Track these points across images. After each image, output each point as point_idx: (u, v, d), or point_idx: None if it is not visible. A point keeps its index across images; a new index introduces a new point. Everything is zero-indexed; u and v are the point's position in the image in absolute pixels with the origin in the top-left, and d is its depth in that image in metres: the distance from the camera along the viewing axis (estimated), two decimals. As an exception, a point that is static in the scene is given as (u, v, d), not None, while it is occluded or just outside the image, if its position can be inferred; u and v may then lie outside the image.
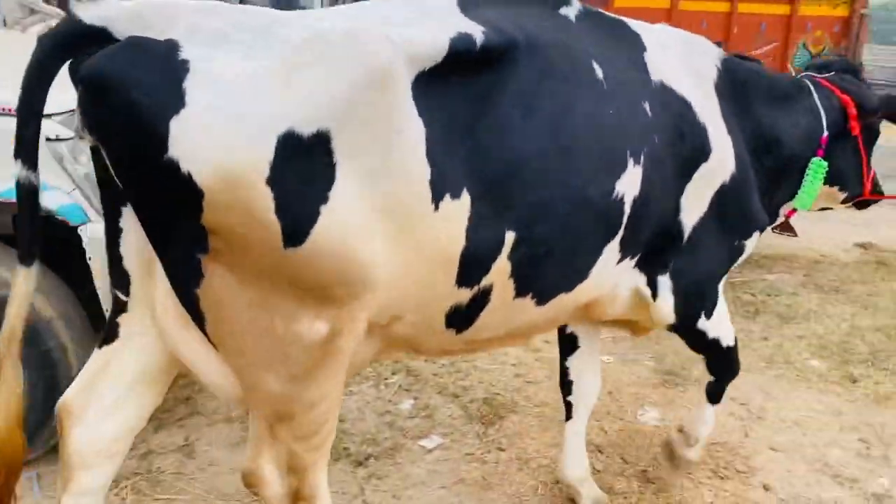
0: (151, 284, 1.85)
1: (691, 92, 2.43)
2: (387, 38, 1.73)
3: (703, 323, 2.71)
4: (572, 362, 3.00)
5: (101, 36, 1.61)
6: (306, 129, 1.61)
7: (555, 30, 2.15)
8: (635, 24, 2.45)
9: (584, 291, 2.31)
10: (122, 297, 1.95)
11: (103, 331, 2.04)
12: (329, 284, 1.73)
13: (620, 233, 2.25)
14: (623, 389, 4.00)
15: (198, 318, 1.77)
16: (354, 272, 1.73)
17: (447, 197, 1.82)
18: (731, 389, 4.04)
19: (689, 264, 2.55)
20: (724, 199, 2.52)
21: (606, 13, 2.43)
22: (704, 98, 2.48)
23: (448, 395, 3.80)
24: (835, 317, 5.33)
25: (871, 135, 3.06)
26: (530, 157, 1.95)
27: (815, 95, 2.90)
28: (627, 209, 2.22)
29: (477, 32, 1.87)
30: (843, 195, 3.10)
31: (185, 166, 1.54)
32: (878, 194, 3.20)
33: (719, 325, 2.80)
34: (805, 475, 3.32)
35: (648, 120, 2.26)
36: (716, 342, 2.81)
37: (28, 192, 1.70)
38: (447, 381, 3.93)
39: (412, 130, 1.75)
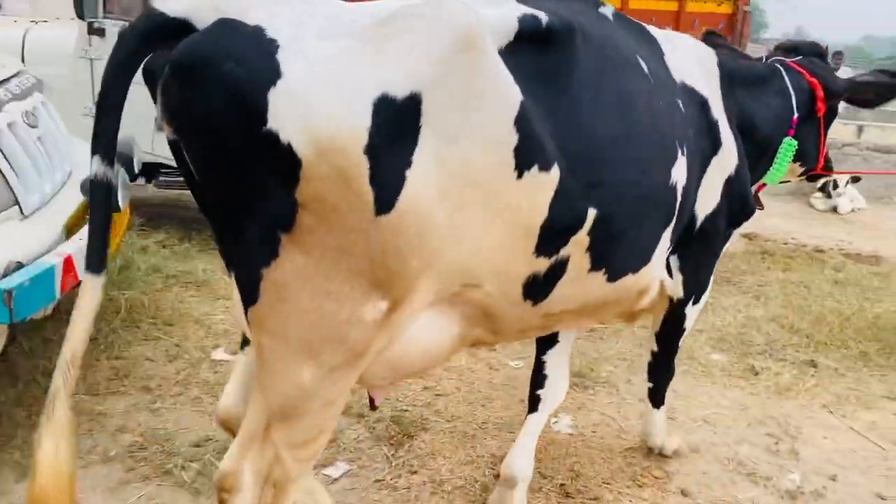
0: None
1: (704, 90, 2.60)
2: (469, 6, 1.76)
3: (689, 308, 2.91)
4: (550, 357, 2.97)
5: (183, 28, 1.61)
6: (400, 92, 1.62)
7: (601, 26, 2.22)
8: (651, 28, 2.58)
9: (644, 276, 2.44)
10: None
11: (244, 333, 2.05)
12: (408, 255, 1.71)
13: (674, 220, 2.41)
14: (534, 397, 3.87)
15: (251, 298, 1.71)
16: (431, 240, 1.73)
17: (534, 168, 1.85)
18: (639, 391, 4.03)
19: (696, 252, 2.75)
20: (730, 190, 2.71)
21: (628, 17, 2.51)
22: (712, 95, 2.64)
23: (352, 416, 3.54)
24: (730, 308, 5.43)
25: (832, 115, 3.21)
26: (610, 138, 2.04)
27: (787, 79, 3.04)
28: (679, 197, 2.37)
29: (540, 15, 1.91)
30: (801, 169, 3.28)
31: (284, 137, 1.55)
32: (828, 170, 3.42)
33: (694, 316, 3.00)
34: (720, 476, 3.28)
35: (683, 114, 2.41)
36: (682, 332, 3.05)
37: (105, 190, 1.67)
38: (351, 400, 3.67)
39: (498, 96, 1.77)
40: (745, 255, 6.88)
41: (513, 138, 1.79)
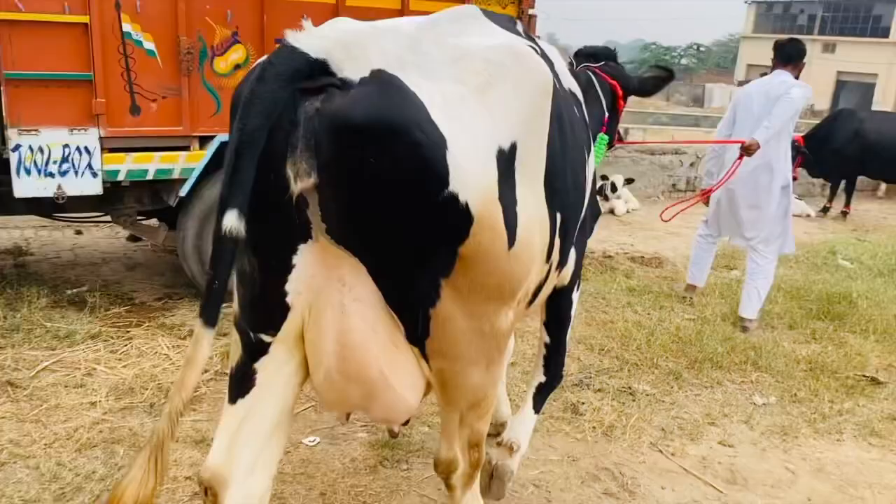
0: (331, 318, 1.83)
1: (578, 91, 2.73)
2: (540, 58, 2.07)
3: (574, 294, 2.99)
4: None
5: (322, 68, 1.64)
6: (506, 143, 1.82)
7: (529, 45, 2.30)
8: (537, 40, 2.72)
9: (566, 270, 2.73)
10: (267, 339, 1.90)
11: (233, 383, 1.97)
12: (524, 275, 1.98)
13: (584, 212, 2.64)
14: (337, 485, 3.14)
15: (424, 335, 1.89)
16: (532, 257, 1.99)
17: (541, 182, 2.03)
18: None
19: (581, 239, 2.83)
20: (593, 183, 2.88)
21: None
22: (581, 96, 2.77)
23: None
24: (534, 331, 5.06)
25: (625, 104, 3.67)
26: (557, 151, 2.12)
27: (597, 84, 3.35)
28: (585, 193, 2.59)
29: (533, 45, 2.16)
30: (607, 149, 3.58)
31: (462, 197, 1.69)
32: (621, 140, 4.14)
33: (577, 302, 3.08)
34: (566, 563, 2.77)
35: (578, 118, 2.55)
36: (571, 318, 3.08)
37: (231, 246, 1.62)
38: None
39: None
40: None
41: (543, 164, 2.01)
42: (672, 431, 3.84)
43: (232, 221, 1.57)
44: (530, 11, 5.48)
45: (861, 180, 11.15)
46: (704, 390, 4.40)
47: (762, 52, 43.88)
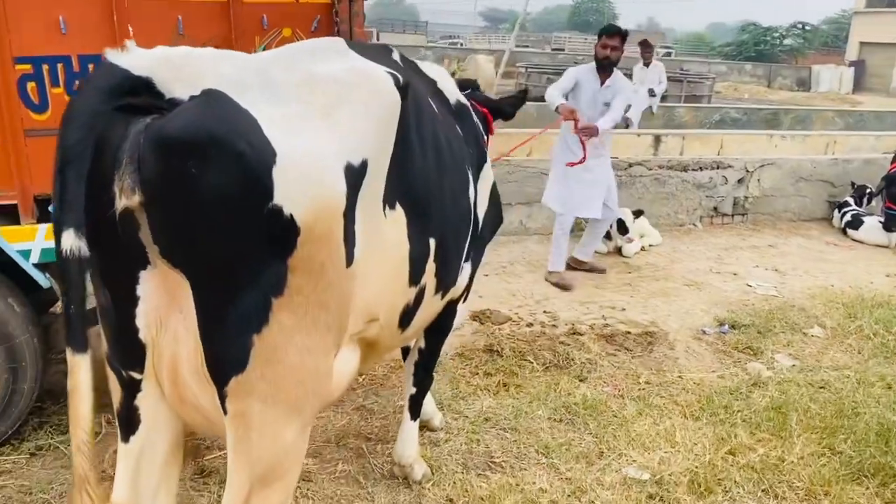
0: (166, 344, 1.79)
1: (468, 112, 3.02)
2: (390, 75, 2.05)
3: (460, 305, 3.06)
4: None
5: (146, 87, 1.62)
6: (357, 159, 1.85)
7: (403, 74, 2.25)
8: (420, 62, 2.86)
9: (458, 286, 2.85)
10: (137, 376, 1.88)
11: (121, 422, 1.95)
12: (351, 303, 1.94)
13: (471, 230, 2.78)
14: None
15: (238, 367, 1.73)
16: (358, 284, 1.97)
17: (387, 207, 2.11)
18: None
19: (474, 254, 2.98)
20: (493, 196, 3.15)
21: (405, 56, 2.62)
22: (470, 112, 3.05)
23: None
24: None
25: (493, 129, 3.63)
26: (432, 178, 2.32)
27: (473, 112, 3.21)
28: (473, 210, 2.77)
29: (393, 72, 2.10)
30: None
31: (287, 210, 1.66)
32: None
33: (462, 314, 3.19)
34: None
35: (461, 136, 2.76)
36: (451, 329, 3.16)
37: (79, 265, 1.58)
38: None
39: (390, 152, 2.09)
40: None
41: (384, 183, 2.06)
42: None
43: (70, 241, 1.53)
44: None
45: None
46: None
47: (877, 28, 38.98)
